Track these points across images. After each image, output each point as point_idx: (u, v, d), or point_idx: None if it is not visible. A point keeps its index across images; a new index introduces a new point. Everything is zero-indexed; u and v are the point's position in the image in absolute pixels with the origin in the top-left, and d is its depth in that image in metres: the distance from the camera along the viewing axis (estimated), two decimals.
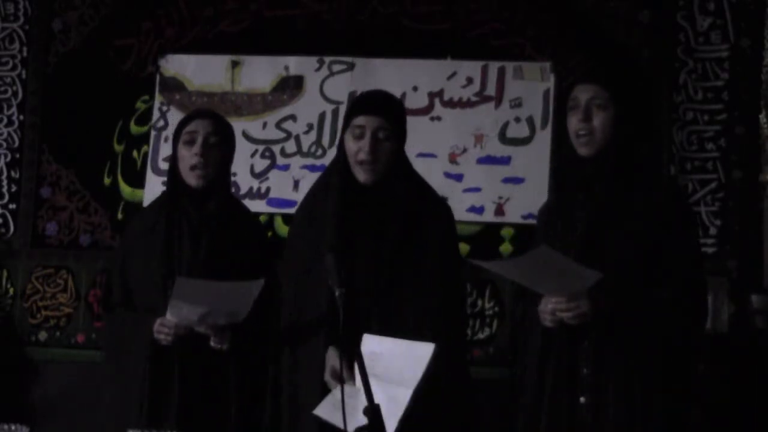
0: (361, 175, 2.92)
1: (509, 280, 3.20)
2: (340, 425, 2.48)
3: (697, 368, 2.80)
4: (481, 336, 4.36)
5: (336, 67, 4.65)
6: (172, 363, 2.94)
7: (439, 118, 4.56)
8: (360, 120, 2.92)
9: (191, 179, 3.06)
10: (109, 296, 3.16)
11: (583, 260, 2.65)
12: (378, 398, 2.55)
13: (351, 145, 2.93)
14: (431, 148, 4.44)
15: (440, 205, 3.09)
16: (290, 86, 4.68)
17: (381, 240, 2.91)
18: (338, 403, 2.47)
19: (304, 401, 2.85)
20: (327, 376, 2.80)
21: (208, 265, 2.99)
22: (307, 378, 2.88)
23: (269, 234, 4.53)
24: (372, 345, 2.72)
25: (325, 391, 2.80)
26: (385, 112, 2.95)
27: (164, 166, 4.49)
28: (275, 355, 2.99)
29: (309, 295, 2.92)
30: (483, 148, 4.51)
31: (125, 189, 4.69)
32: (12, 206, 4.77)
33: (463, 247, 4.07)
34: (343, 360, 2.60)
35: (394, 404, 2.62)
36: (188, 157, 3.06)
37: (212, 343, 2.91)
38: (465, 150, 4.52)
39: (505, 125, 4.51)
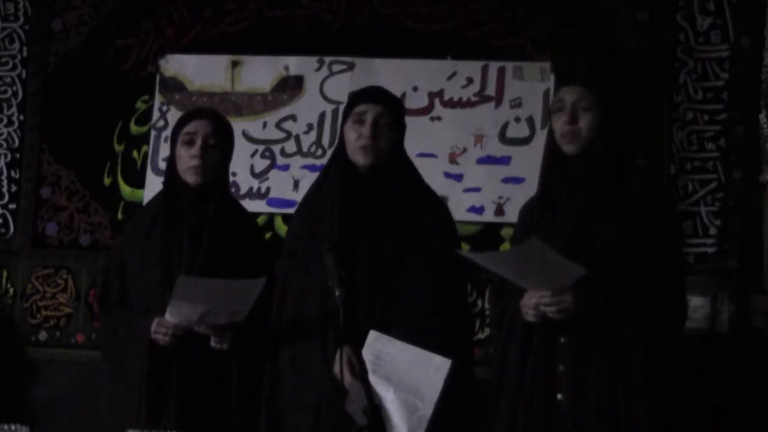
0: (360, 158, 2.90)
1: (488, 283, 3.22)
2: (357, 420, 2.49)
3: (679, 367, 2.78)
4: (481, 336, 4.36)
5: (336, 67, 4.65)
6: (170, 363, 2.93)
7: (439, 118, 4.55)
8: (361, 107, 2.94)
9: (189, 177, 3.04)
10: (106, 296, 3.14)
11: (567, 258, 2.65)
12: (392, 404, 2.56)
13: (351, 134, 2.93)
14: (431, 148, 4.44)
15: (438, 201, 3.09)
16: (290, 86, 4.68)
17: (380, 234, 2.89)
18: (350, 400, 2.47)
19: (302, 399, 2.85)
20: (336, 369, 2.76)
21: (206, 265, 2.97)
22: (307, 375, 2.86)
23: (269, 234, 4.54)
24: (382, 344, 2.72)
25: (323, 388, 2.79)
26: (385, 102, 2.97)
27: (164, 166, 4.47)
28: (273, 355, 2.96)
29: (307, 293, 2.90)
30: (483, 148, 4.51)
31: (125, 189, 4.69)
32: (12, 206, 4.77)
33: (464, 247, 4.06)
34: (342, 357, 2.59)
35: (412, 415, 2.62)
36: (187, 158, 3.05)
37: (212, 343, 2.89)
38: (465, 150, 4.52)
39: (505, 125, 4.51)
